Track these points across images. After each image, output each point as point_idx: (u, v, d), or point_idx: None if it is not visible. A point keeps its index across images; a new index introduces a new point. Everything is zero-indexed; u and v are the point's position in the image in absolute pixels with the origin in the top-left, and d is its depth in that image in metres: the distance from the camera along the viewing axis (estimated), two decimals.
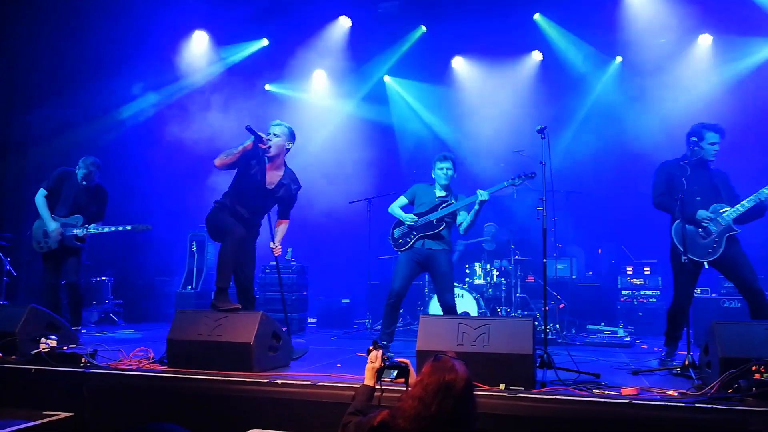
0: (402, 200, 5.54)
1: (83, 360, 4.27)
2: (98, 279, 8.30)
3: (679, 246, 4.63)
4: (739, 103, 7.90)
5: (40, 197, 5.91)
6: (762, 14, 7.83)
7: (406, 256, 5.29)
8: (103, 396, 3.98)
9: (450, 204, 5.27)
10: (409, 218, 5.36)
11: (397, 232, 5.45)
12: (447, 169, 5.32)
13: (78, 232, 5.86)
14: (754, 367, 3.32)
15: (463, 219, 5.22)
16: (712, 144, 4.74)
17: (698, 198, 4.72)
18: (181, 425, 3.47)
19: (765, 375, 3.27)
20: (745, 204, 4.56)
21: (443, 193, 5.39)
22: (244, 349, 4.15)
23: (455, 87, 9.58)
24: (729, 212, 4.61)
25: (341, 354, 5.37)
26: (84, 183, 6.01)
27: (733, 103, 7.91)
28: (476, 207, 5.09)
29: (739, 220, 4.63)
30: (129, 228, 5.95)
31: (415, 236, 5.31)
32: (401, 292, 5.18)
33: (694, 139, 4.78)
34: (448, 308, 5.13)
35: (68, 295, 5.94)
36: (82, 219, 5.95)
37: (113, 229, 5.96)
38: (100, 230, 5.96)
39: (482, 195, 5.02)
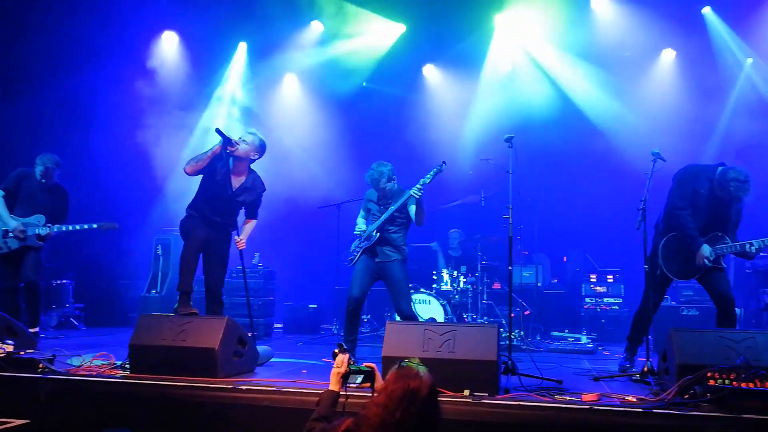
0: (361, 213, 5.46)
1: (41, 365, 4.15)
2: (59, 282, 8.05)
3: (660, 260, 4.76)
4: (701, 115, 8.17)
5: None
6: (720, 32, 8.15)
7: (362, 262, 5.21)
8: (60, 402, 3.89)
9: (386, 210, 5.17)
10: (357, 229, 5.31)
11: (354, 245, 5.39)
12: (374, 186, 5.21)
13: (41, 231, 5.71)
14: (709, 374, 3.43)
15: (411, 213, 5.13)
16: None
17: (703, 222, 4.66)
18: None
19: (719, 381, 3.38)
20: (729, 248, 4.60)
21: (386, 200, 5.29)
22: (209, 354, 4.10)
23: (425, 94, 9.64)
24: (720, 248, 4.61)
25: (307, 359, 5.35)
26: (43, 181, 5.86)
27: (695, 114, 8.18)
28: (412, 202, 5.03)
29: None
30: (95, 226, 5.81)
31: (360, 249, 5.25)
32: (360, 297, 5.12)
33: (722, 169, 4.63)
34: (405, 317, 5.03)
35: (26, 294, 5.77)
36: (44, 219, 5.82)
37: (78, 227, 5.82)
38: (65, 229, 5.83)
39: (412, 191, 4.97)
